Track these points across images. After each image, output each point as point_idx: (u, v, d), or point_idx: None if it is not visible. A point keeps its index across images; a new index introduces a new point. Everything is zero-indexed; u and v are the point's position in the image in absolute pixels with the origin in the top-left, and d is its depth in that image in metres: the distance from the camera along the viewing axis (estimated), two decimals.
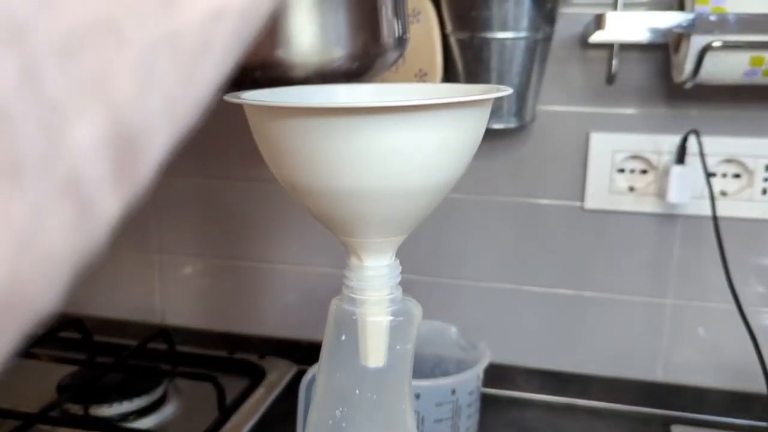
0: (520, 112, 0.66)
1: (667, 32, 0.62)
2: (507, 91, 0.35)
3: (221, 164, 0.79)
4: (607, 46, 0.67)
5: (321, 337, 0.39)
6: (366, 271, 0.36)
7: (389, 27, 0.41)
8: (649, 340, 0.72)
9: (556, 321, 0.74)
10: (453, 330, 0.65)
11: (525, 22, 0.62)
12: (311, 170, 0.32)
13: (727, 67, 0.58)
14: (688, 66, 0.59)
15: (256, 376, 0.74)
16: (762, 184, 0.66)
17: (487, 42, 0.62)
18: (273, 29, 0.38)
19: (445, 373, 0.62)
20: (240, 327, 0.83)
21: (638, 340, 0.72)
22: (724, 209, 0.66)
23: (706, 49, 0.57)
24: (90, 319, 0.81)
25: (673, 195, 0.66)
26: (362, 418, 0.38)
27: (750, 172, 0.66)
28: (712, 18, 0.55)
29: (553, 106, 0.70)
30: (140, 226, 0.83)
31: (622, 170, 0.69)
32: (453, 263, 0.75)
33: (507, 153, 0.72)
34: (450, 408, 0.56)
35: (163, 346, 0.76)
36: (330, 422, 0.38)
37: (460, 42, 0.64)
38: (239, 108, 0.34)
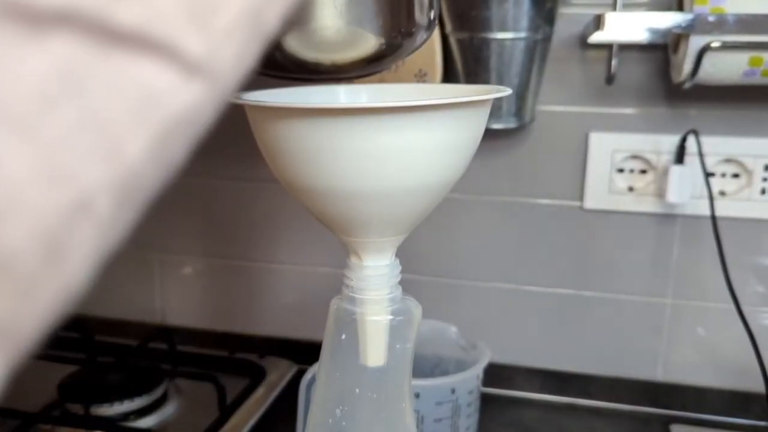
0: (519, 112, 0.66)
1: (666, 32, 0.62)
2: (506, 91, 0.35)
3: (221, 164, 0.79)
4: (607, 47, 0.67)
5: (321, 337, 0.39)
6: (366, 270, 0.36)
7: (421, 9, 0.40)
8: (648, 339, 0.72)
9: (555, 321, 0.74)
10: (453, 329, 0.65)
11: (524, 22, 0.62)
12: (311, 170, 0.32)
13: (726, 67, 0.58)
14: (687, 66, 0.59)
15: (256, 376, 0.74)
16: (761, 184, 0.66)
17: (486, 42, 0.62)
18: (302, 23, 0.37)
19: (445, 373, 0.62)
20: (240, 327, 0.83)
21: (638, 339, 0.73)
22: (723, 209, 0.66)
23: (705, 50, 0.57)
24: (90, 319, 0.82)
25: (673, 195, 0.66)
26: (362, 418, 0.38)
27: (749, 172, 0.67)
28: (711, 18, 0.55)
29: (552, 106, 0.70)
30: (140, 226, 0.83)
31: (621, 170, 0.69)
32: (453, 263, 0.76)
33: (507, 153, 0.72)
34: (450, 407, 0.56)
35: (163, 346, 0.76)
36: (330, 421, 0.39)
37: (460, 42, 0.64)
38: (240, 108, 0.34)
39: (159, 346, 0.76)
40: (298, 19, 0.36)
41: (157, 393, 0.68)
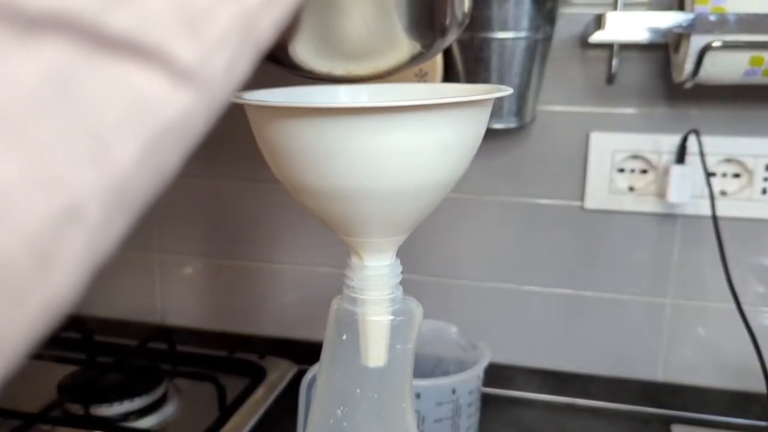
0: (520, 112, 0.66)
1: (666, 32, 0.62)
2: (507, 91, 0.35)
3: (221, 164, 0.79)
4: (607, 46, 0.67)
5: (321, 337, 0.39)
6: (367, 270, 0.36)
7: (459, 3, 0.39)
8: (649, 339, 0.72)
9: (556, 321, 0.74)
10: (453, 330, 0.65)
11: (525, 22, 0.62)
12: (312, 170, 0.32)
13: (727, 67, 0.58)
14: (688, 66, 0.59)
15: (256, 376, 0.74)
16: (762, 184, 0.66)
17: (487, 42, 0.62)
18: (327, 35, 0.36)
19: (446, 373, 0.62)
20: (240, 327, 0.83)
21: (638, 339, 0.73)
22: (724, 209, 0.66)
23: (705, 49, 0.57)
24: (90, 319, 0.81)
25: (673, 195, 0.66)
26: (363, 418, 0.38)
27: (750, 172, 0.67)
28: (712, 18, 0.55)
29: (553, 106, 0.70)
30: (140, 226, 0.83)
31: (622, 170, 0.69)
32: (453, 263, 0.75)
33: (507, 153, 0.72)
34: (450, 407, 0.56)
35: (163, 346, 0.76)
36: (331, 422, 0.38)
37: (460, 42, 0.64)
38: (240, 108, 0.34)
39: (159, 346, 0.76)
40: (313, 29, 0.35)
41: (157, 393, 0.68)
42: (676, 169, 0.66)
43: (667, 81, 0.67)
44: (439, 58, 0.65)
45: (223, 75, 0.15)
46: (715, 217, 0.65)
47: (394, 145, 0.31)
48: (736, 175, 0.67)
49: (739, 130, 0.66)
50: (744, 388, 0.69)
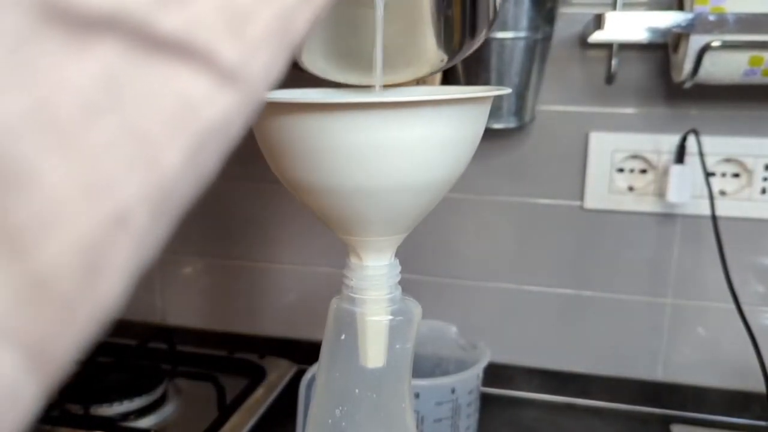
0: (519, 111, 0.66)
1: (666, 32, 0.62)
2: (506, 89, 0.35)
3: (222, 164, 0.79)
4: (607, 46, 0.67)
5: (321, 337, 0.39)
6: (366, 270, 0.36)
7: (489, 13, 0.39)
8: (648, 339, 0.72)
9: (555, 320, 0.74)
10: (453, 329, 0.65)
11: (524, 21, 0.62)
12: (311, 168, 0.32)
13: (727, 66, 0.58)
14: (688, 66, 0.59)
15: (256, 376, 0.74)
16: (761, 184, 0.66)
17: (486, 42, 0.62)
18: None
19: (445, 373, 0.62)
20: (240, 326, 0.83)
21: (638, 339, 0.73)
22: (724, 209, 0.66)
23: (705, 49, 0.57)
24: None
25: (673, 194, 0.66)
26: (362, 418, 0.38)
27: (749, 172, 0.67)
28: (711, 18, 0.55)
29: (552, 106, 0.70)
30: None
31: (621, 170, 0.69)
32: (453, 263, 0.76)
33: (506, 153, 0.72)
34: (450, 407, 0.56)
35: (163, 346, 0.76)
36: (330, 421, 0.39)
37: None
38: None
39: (159, 346, 0.76)
40: (335, 41, 0.35)
41: (157, 393, 0.68)
42: (676, 169, 0.66)
43: (666, 81, 0.67)
44: None
45: (263, 74, 0.15)
46: (714, 217, 0.65)
47: (393, 142, 0.31)
48: (736, 175, 0.67)
49: (738, 130, 0.66)
50: (744, 387, 0.69)
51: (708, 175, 0.65)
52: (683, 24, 0.56)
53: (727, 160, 0.67)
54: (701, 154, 0.65)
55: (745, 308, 0.63)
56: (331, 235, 0.37)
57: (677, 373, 0.72)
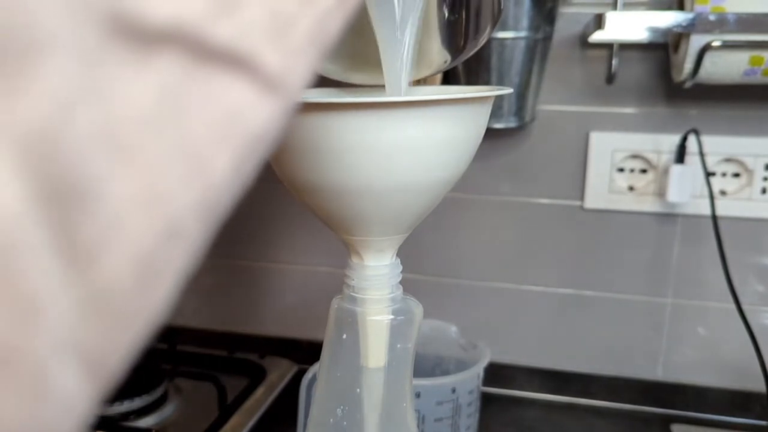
0: (520, 111, 0.66)
1: (666, 32, 0.62)
2: (507, 89, 0.35)
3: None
4: (607, 46, 0.67)
5: (321, 337, 0.39)
6: (367, 270, 0.36)
7: (493, 12, 0.39)
8: (649, 339, 0.72)
9: (556, 320, 0.74)
10: (453, 329, 0.65)
11: (525, 21, 0.62)
12: (312, 167, 0.32)
13: (727, 66, 0.58)
14: (688, 65, 0.59)
15: (256, 376, 0.74)
16: (761, 184, 0.66)
17: (487, 41, 0.62)
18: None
19: (446, 372, 0.62)
20: (240, 326, 0.83)
21: (638, 339, 0.73)
22: (724, 208, 0.66)
23: (705, 49, 0.57)
24: None
25: (673, 194, 0.66)
26: (363, 417, 0.38)
27: (749, 172, 0.67)
28: (712, 17, 0.55)
29: (553, 106, 0.70)
30: None
31: (621, 169, 0.69)
32: (453, 262, 0.76)
33: (507, 152, 0.72)
34: (450, 407, 0.56)
35: (163, 346, 0.76)
36: (331, 421, 0.39)
37: None
38: None
39: (159, 346, 0.76)
40: (348, 48, 0.35)
41: (157, 393, 0.68)
42: (676, 169, 0.66)
43: (666, 81, 0.67)
44: None
45: (301, 80, 0.15)
46: (714, 217, 0.65)
47: (394, 141, 0.31)
48: (736, 175, 0.67)
49: (738, 129, 0.66)
50: (744, 387, 0.70)
51: (708, 174, 0.65)
52: (684, 24, 0.56)
53: (728, 160, 0.67)
54: (701, 154, 0.65)
55: (745, 308, 0.63)
56: (331, 234, 0.37)
57: (677, 373, 0.72)
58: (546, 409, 0.72)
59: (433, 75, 0.41)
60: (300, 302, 0.81)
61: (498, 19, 0.39)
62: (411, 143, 0.31)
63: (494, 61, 0.63)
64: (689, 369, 0.72)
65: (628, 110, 0.68)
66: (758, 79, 0.59)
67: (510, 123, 0.66)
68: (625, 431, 0.68)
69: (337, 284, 0.38)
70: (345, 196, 0.33)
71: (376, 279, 0.36)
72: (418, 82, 0.65)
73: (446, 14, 0.36)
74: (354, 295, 0.37)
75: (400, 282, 0.38)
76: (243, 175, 0.14)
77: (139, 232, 0.11)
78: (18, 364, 0.09)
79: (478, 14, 0.38)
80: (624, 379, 0.73)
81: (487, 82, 0.64)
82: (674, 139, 0.67)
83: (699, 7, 0.57)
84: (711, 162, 0.66)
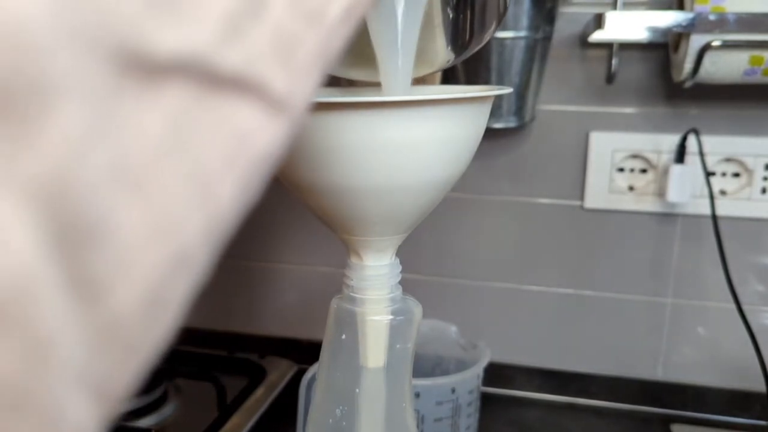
0: (519, 111, 0.66)
1: (666, 31, 0.62)
2: (507, 89, 0.35)
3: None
4: (607, 46, 0.67)
5: (321, 337, 0.39)
6: (366, 270, 0.36)
7: (498, 10, 0.39)
8: (649, 339, 0.72)
9: (556, 320, 0.74)
10: (453, 329, 0.65)
11: (525, 21, 0.62)
12: (312, 167, 0.32)
13: (727, 66, 0.58)
14: (688, 65, 0.59)
15: (256, 376, 0.74)
16: (761, 183, 0.66)
17: (486, 41, 0.62)
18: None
19: (446, 372, 0.62)
20: (240, 326, 0.83)
21: (638, 339, 0.73)
22: (724, 208, 0.66)
23: (705, 49, 0.57)
24: None
25: (673, 194, 0.66)
26: (362, 417, 0.38)
27: (749, 171, 0.67)
28: (712, 17, 0.55)
29: (552, 106, 0.70)
30: None
31: (621, 169, 0.69)
32: (453, 262, 0.75)
33: (507, 152, 0.72)
34: (450, 407, 0.56)
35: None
36: (330, 421, 0.38)
37: None
38: None
39: None
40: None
41: (157, 393, 0.68)
42: (676, 169, 0.66)
43: (666, 80, 0.67)
44: None
45: (306, 98, 0.15)
46: (714, 217, 0.65)
47: (394, 141, 0.31)
48: (736, 175, 0.67)
49: (738, 129, 0.66)
50: (744, 387, 0.69)
51: (708, 174, 0.65)
52: (683, 23, 0.56)
53: (728, 160, 0.67)
54: (701, 154, 0.65)
55: (745, 308, 0.63)
56: (331, 234, 0.37)
57: (677, 373, 0.72)
58: (546, 409, 0.72)
59: (435, 73, 0.41)
60: (300, 302, 0.81)
61: (503, 16, 0.39)
62: (411, 143, 0.31)
63: (494, 60, 0.63)
64: (689, 369, 0.72)
65: (628, 110, 0.68)
66: (758, 78, 0.59)
67: (510, 123, 0.66)
68: (624, 431, 0.68)
69: (337, 284, 0.38)
70: (345, 196, 0.33)
71: (376, 279, 0.36)
72: (418, 81, 0.65)
73: (450, 12, 0.36)
74: (353, 295, 0.37)
75: (400, 282, 0.38)
76: (249, 194, 0.14)
77: (149, 264, 0.11)
78: (31, 406, 0.09)
79: (483, 11, 0.37)
80: (624, 379, 0.73)
81: (486, 82, 0.64)
82: (674, 139, 0.67)
83: (699, 7, 0.57)
84: (711, 162, 0.66)
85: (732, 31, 0.56)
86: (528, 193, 0.72)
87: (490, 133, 0.64)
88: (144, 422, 0.66)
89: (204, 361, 0.77)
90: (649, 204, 0.69)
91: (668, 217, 0.69)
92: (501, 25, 0.61)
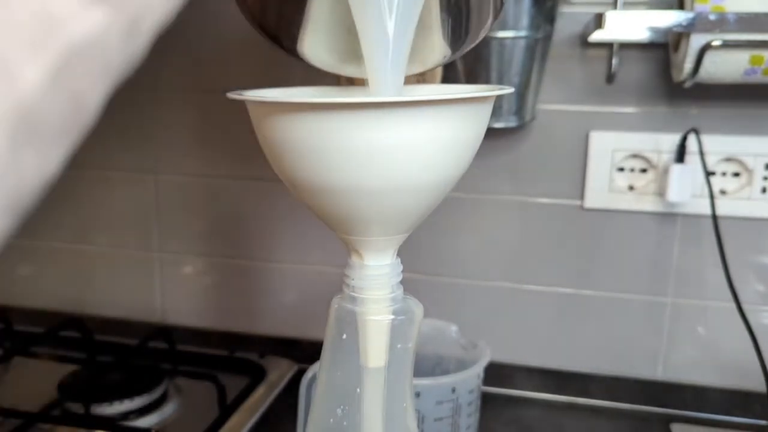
0: (520, 111, 0.66)
1: (666, 31, 0.62)
2: (508, 89, 0.35)
3: (222, 163, 0.79)
4: (607, 45, 0.67)
5: (322, 336, 0.39)
6: (367, 270, 0.36)
7: (496, 4, 0.38)
8: (648, 338, 0.72)
9: (556, 320, 0.74)
10: (453, 329, 0.65)
11: (525, 21, 0.62)
12: (312, 167, 0.32)
13: (727, 65, 0.58)
14: (688, 65, 0.59)
15: (256, 375, 0.74)
16: (761, 183, 0.66)
17: (486, 41, 0.62)
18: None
19: (446, 372, 0.62)
20: (240, 326, 0.83)
21: (638, 338, 0.73)
22: (724, 208, 0.66)
23: (705, 48, 0.57)
24: (90, 318, 0.81)
25: (673, 194, 0.66)
26: (363, 417, 0.38)
27: (749, 171, 0.67)
28: (712, 17, 0.55)
29: (552, 105, 0.70)
30: (140, 226, 0.83)
31: (621, 169, 0.69)
32: (453, 262, 0.76)
33: (507, 152, 0.72)
34: (450, 406, 0.56)
35: (163, 345, 0.76)
36: (331, 421, 0.38)
37: None
38: (240, 105, 0.34)
39: (159, 346, 0.76)
40: (337, 34, 0.35)
41: (157, 392, 0.68)
42: (676, 168, 0.66)
43: (666, 80, 0.67)
44: None
45: None
46: (714, 216, 0.65)
47: (395, 142, 0.31)
48: (736, 174, 0.67)
49: (738, 129, 0.66)
50: (744, 386, 0.70)
51: (708, 174, 0.65)
52: (684, 23, 0.56)
53: (728, 160, 0.67)
54: (701, 154, 0.65)
55: (745, 307, 0.63)
56: (331, 234, 0.37)
57: (677, 372, 0.72)
58: (546, 409, 0.72)
59: (432, 70, 0.41)
60: (300, 302, 0.81)
61: (500, 11, 0.39)
62: (411, 143, 0.31)
63: (494, 60, 0.63)
64: (689, 368, 0.72)
65: (628, 110, 0.68)
66: (758, 78, 0.59)
67: (510, 122, 0.66)
68: (624, 431, 0.68)
69: (338, 284, 0.38)
70: (345, 196, 0.33)
71: (377, 279, 0.36)
72: (418, 81, 0.65)
73: (446, 7, 0.36)
74: (354, 295, 0.37)
75: (401, 281, 0.38)
76: (72, 90, 0.13)
77: None
78: None
79: (480, 6, 0.37)
80: (624, 379, 0.73)
81: (487, 82, 0.64)
82: (674, 139, 0.67)
83: (699, 7, 0.57)
84: (711, 161, 0.66)
85: (732, 31, 0.56)
86: (528, 192, 0.72)
87: (490, 133, 0.64)
88: (144, 422, 0.66)
89: (204, 361, 0.77)
90: (649, 204, 0.69)
91: (668, 217, 0.69)
92: (499, 21, 0.61)
